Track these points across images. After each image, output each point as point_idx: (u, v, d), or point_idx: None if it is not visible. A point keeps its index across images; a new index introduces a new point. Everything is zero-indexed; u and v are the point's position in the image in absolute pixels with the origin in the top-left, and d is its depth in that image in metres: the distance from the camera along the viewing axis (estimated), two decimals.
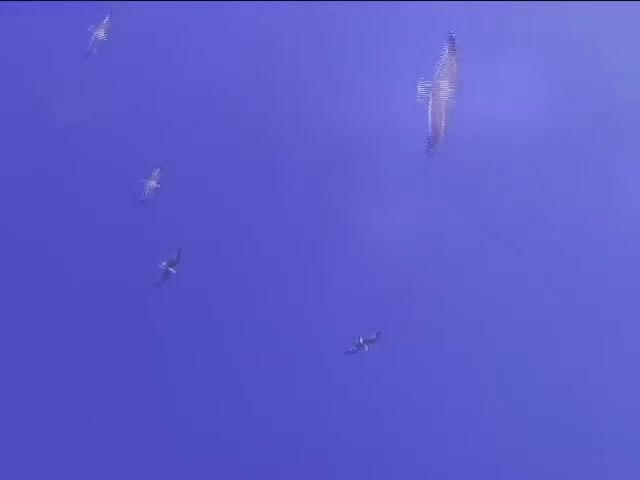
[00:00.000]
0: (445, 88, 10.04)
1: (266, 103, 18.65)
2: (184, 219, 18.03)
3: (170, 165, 16.03)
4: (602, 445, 18.25)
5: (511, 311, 18.62)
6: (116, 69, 18.53)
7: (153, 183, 15.85)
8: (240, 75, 18.75)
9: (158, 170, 15.72)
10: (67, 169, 18.47)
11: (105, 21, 15.04)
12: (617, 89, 18.49)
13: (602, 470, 17.98)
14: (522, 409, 18.30)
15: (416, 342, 18.09)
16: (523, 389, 18.37)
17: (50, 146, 18.46)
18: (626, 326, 18.40)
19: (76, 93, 17.84)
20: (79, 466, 17.70)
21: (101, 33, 15.01)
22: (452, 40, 9.98)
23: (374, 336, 15.13)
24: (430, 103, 10.06)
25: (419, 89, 10.09)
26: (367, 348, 15.12)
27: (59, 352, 18.08)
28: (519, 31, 18.68)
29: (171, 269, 15.08)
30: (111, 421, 18.06)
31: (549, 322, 18.50)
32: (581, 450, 18.18)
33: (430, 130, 10.12)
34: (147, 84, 18.86)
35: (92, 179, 18.40)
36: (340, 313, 17.91)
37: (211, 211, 18.43)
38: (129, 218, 17.78)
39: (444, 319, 18.56)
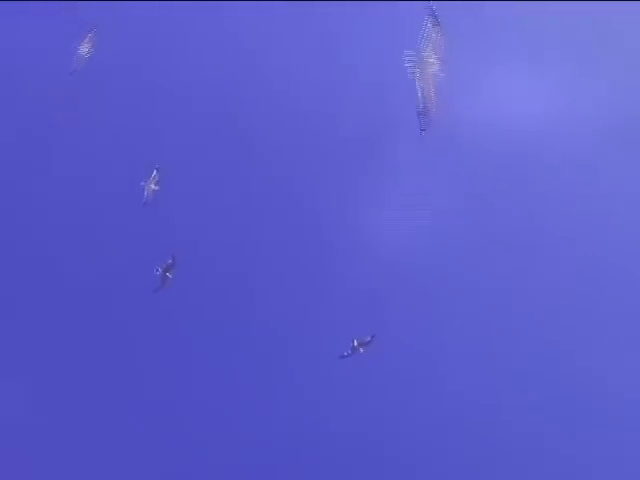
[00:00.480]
0: (431, 61, 10.14)
1: (264, 104, 18.71)
2: (182, 222, 18.16)
3: (168, 167, 16.15)
4: (603, 446, 18.26)
5: (511, 311, 18.61)
6: (113, 71, 18.67)
7: (152, 186, 15.97)
8: (237, 76, 18.81)
9: (156, 172, 15.80)
10: (66, 172, 18.62)
11: (89, 37, 15.03)
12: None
13: (601, 469, 18.05)
14: (521, 410, 18.34)
15: (414, 343, 18.18)
16: (522, 389, 18.40)
17: (47, 149, 18.61)
18: (628, 328, 18.36)
19: (73, 95, 17.92)
20: (79, 467, 17.97)
21: (86, 49, 15.01)
22: (433, 13, 10.12)
23: (369, 338, 15.23)
24: (417, 77, 10.18)
25: (406, 64, 10.21)
26: (362, 350, 15.25)
27: (58, 356, 18.29)
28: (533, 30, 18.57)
29: (168, 274, 15.23)
30: (111, 422, 18.28)
31: (550, 325, 18.48)
32: (581, 453, 18.21)
33: (420, 104, 10.23)
34: (145, 85, 18.96)
35: (91, 183, 18.56)
36: (337, 315, 18.01)
37: (209, 213, 18.55)
38: (128, 222, 17.95)
39: (442, 320, 18.61)
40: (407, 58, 10.29)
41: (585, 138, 18.66)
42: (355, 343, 15.26)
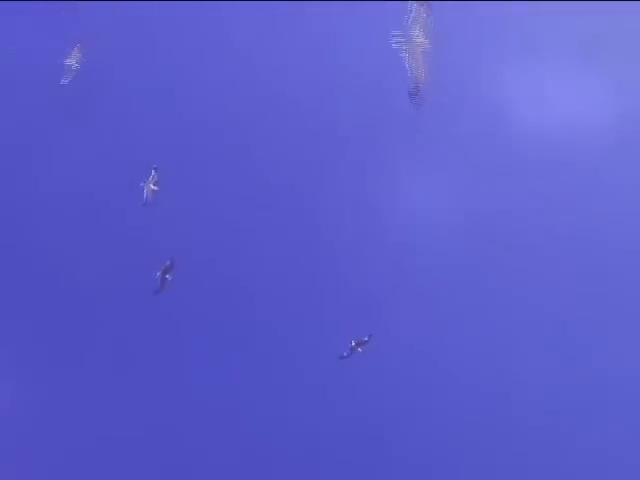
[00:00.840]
0: (418, 39, 9.99)
1: (263, 104, 18.73)
2: (182, 223, 18.22)
3: (167, 169, 16.23)
4: (604, 446, 18.27)
5: (513, 310, 18.58)
6: (113, 71, 18.72)
7: (151, 186, 16.07)
8: (236, 76, 18.85)
9: (154, 173, 15.88)
10: (67, 173, 18.72)
11: (75, 50, 15.07)
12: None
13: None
14: (522, 409, 18.36)
15: (414, 343, 18.23)
16: (523, 388, 18.40)
17: (46, 149, 18.71)
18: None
19: (73, 95, 17.98)
20: (81, 468, 18.14)
21: (73, 62, 15.07)
22: None
23: (366, 338, 15.38)
24: (406, 56, 10.05)
25: (393, 43, 10.07)
26: (360, 350, 15.40)
27: (58, 359, 18.42)
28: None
29: (167, 276, 15.32)
30: (113, 424, 18.42)
31: (551, 323, 18.46)
32: (581, 452, 18.24)
33: (412, 84, 10.13)
34: (143, 84, 19.01)
35: (90, 185, 18.65)
36: (337, 316, 18.08)
37: (209, 213, 18.62)
38: (128, 223, 18.03)
39: (443, 319, 18.63)
40: (395, 38, 10.16)
41: (582, 130, 18.63)
42: (353, 343, 15.42)
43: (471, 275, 18.66)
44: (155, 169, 15.81)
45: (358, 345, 15.40)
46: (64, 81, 15.08)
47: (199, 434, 18.60)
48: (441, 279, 18.66)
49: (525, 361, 18.35)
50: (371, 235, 18.66)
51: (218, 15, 18.92)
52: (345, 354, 15.49)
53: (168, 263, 15.29)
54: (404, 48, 9.95)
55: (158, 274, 15.33)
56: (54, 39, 18.46)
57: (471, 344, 18.52)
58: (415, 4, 9.92)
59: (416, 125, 18.76)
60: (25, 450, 18.39)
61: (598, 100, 18.24)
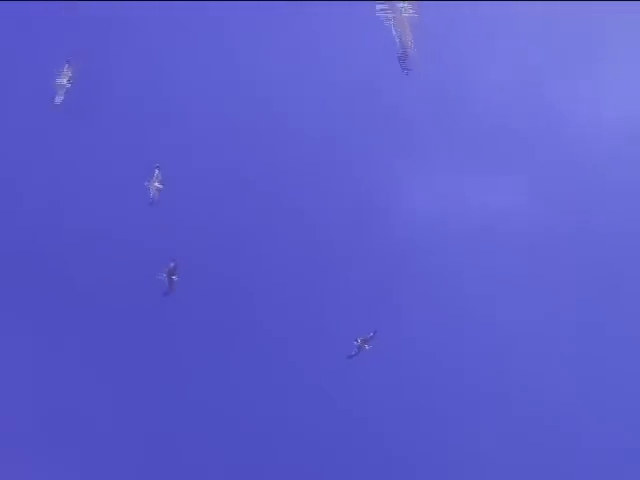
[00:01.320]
0: (404, 7, 10.13)
1: (263, 103, 18.76)
2: (188, 224, 18.27)
3: (169, 172, 16.29)
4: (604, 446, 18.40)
5: (515, 310, 18.67)
6: (114, 71, 18.73)
7: (156, 184, 16.15)
8: (235, 76, 18.88)
9: (158, 172, 15.97)
10: (75, 174, 18.72)
11: (65, 69, 15.13)
12: None
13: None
14: (522, 409, 18.47)
15: (416, 343, 18.35)
16: (523, 386, 18.51)
17: (48, 150, 18.69)
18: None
19: (73, 96, 17.92)
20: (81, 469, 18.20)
21: (64, 81, 15.13)
22: None
23: (371, 334, 15.52)
24: (393, 24, 10.18)
25: (378, 11, 10.18)
26: (367, 347, 15.55)
27: (65, 360, 18.42)
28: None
29: (173, 277, 15.35)
30: (113, 423, 18.46)
31: (554, 321, 18.56)
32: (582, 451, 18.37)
33: (400, 49, 10.25)
34: (143, 84, 19.02)
35: (91, 186, 18.66)
36: (336, 315, 18.17)
37: (210, 213, 18.66)
38: (134, 223, 18.06)
39: (443, 317, 18.72)
40: (380, 8, 10.27)
41: (583, 130, 18.74)
42: (359, 341, 15.56)
43: (471, 274, 18.79)
44: (158, 167, 15.94)
45: (364, 342, 15.54)
46: (58, 99, 15.10)
47: (201, 433, 18.66)
48: (441, 278, 18.78)
49: (526, 360, 18.45)
50: (371, 235, 18.75)
51: (218, 15, 18.92)
52: (353, 352, 15.63)
53: (172, 265, 15.31)
54: (390, 16, 10.09)
55: (164, 276, 15.35)
56: (54, 39, 18.45)
57: (471, 343, 18.65)
58: None
59: (416, 125, 18.87)
60: (26, 450, 18.44)
61: (598, 99, 18.39)
